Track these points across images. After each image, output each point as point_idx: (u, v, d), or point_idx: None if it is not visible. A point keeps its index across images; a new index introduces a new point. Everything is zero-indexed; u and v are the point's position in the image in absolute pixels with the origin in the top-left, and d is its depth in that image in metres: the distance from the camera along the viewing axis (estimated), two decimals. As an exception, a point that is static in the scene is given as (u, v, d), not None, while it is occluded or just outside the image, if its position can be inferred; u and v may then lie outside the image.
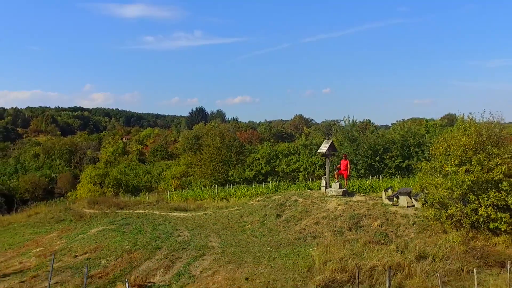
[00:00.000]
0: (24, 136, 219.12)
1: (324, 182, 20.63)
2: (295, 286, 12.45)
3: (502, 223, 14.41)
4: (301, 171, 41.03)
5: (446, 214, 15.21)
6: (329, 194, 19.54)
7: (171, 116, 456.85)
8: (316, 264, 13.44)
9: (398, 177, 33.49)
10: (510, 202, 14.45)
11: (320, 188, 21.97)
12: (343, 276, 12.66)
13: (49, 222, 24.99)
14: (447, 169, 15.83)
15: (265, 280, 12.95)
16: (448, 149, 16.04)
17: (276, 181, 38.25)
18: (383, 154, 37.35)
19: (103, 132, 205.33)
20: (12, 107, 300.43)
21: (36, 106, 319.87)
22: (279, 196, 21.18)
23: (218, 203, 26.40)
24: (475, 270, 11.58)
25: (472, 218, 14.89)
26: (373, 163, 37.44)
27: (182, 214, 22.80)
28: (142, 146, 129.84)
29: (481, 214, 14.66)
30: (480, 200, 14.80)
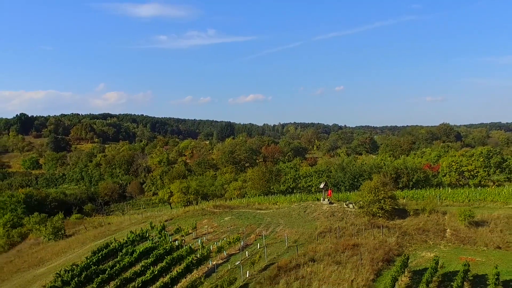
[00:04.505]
0: (70, 144, 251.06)
1: (322, 198, 49.73)
2: (311, 233, 41.54)
3: (372, 214, 43.27)
4: (313, 186, 69.78)
5: (363, 210, 44.13)
6: (323, 203, 48.52)
7: (191, 120, 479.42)
8: (318, 226, 42.53)
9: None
10: (384, 206, 43.28)
11: (321, 200, 50.97)
12: (326, 230, 41.71)
13: (198, 215, 54.37)
14: (365, 194, 44.78)
15: (302, 231, 42.01)
16: (365, 187, 44.98)
17: (299, 192, 67.25)
18: (360, 177, 66.02)
19: (142, 142, 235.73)
20: (51, 115, 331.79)
21: (69, 113, 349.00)
22: (304, 203, 50.43)
23: (274, 206, 55.69)
24: (363, 227, 40.63)
25: (371, 212, 43.75)
26: (354, 183, 66.22)
27: (261, 211, 52.06)
28: (185, 157, 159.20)
29: (374, 211, 43.52)
30: (375, 205, 43.63)
